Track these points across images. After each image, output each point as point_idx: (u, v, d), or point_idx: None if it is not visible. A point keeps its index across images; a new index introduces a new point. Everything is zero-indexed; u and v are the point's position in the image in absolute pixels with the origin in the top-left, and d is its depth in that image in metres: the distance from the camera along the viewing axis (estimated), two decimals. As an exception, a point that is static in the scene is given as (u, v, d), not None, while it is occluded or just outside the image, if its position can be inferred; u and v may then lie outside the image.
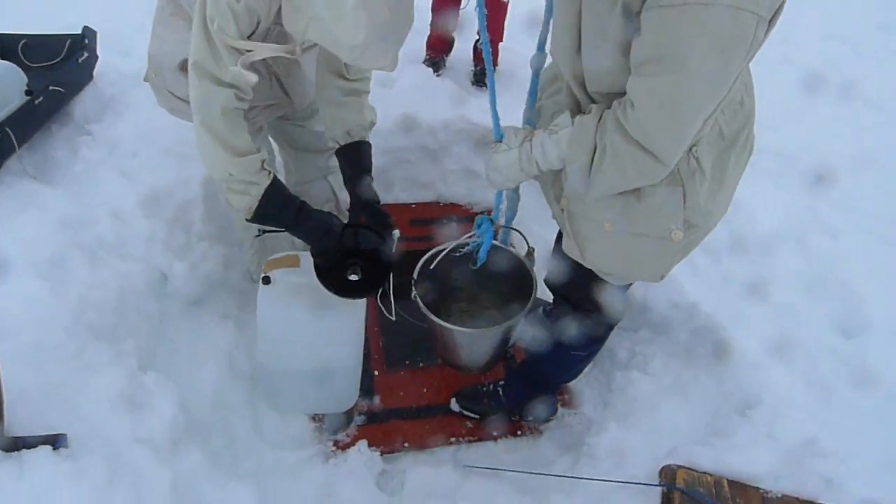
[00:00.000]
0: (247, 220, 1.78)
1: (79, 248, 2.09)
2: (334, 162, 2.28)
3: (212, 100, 1.60)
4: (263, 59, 1.74)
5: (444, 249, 2.05)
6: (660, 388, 2.25)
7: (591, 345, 2.03)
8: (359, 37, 1.44)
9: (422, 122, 2.99)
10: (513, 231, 2.11)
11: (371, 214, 1.94)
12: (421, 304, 1.96)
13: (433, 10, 3.36)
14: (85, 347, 1.85)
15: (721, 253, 2.55)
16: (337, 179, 2.42)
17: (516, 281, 2.06)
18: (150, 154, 2.56)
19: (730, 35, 1.16)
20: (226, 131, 1.64)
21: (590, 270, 1.71)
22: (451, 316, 2.17)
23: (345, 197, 2.20)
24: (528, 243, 2.07)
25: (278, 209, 1.76)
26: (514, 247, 2.19)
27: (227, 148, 1.66)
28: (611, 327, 2.01)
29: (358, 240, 1.84)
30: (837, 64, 4.38)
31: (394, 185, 3.12)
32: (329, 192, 2.52)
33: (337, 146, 2.01)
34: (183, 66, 1.83)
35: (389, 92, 3.11)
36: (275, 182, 1.75)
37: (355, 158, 2.00)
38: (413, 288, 1.97)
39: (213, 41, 1.55)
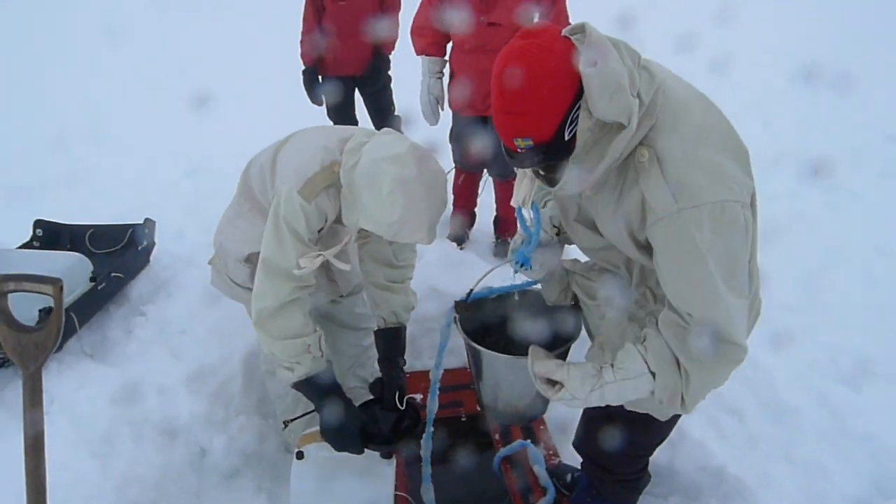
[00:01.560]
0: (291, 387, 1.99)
1: (127, 425, 2.24)
2: (370, 340, 2.51)
3: (273, 291, 1.84)
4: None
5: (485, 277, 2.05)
6: (694, 557, 2.21)
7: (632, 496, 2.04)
8: (395, 214, 1.72)
9: (447, 293, 3.19)
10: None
11: (396, 398, 2.14)
12: (460, 331, 1.94)
13: (455, 193, 3.71)
14: (126, 524, 1.93)
15: (746, 413, 2.58)
16: (371, 357, 2.64)
17: (556, 321, 1.96)
18: (196, 332, 2.77)
19: (721, 220, 1.32)
20: (276, 317, 1.87)
21: (621, 427, 1.76)
22: None
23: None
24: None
25: (311, 394, 1.98)
26: None
27: (269, 332, 1.87)
28: (639, 490, 2.03)
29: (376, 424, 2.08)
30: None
31: (422, 353, 3.26)
32: (371, 370, 2.71)
33: (379, 325, 2.27)
34: (248, 259, 2.12)
35: (417, 265, 3.35)
36: (319, 374, 1.95)
37: (393, 342, 2.26)
38: (455, 314, 1.97)
39: (284, 237, 1.82)
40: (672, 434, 2.47)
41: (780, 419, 2.54)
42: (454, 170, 3.68)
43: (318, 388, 1.96)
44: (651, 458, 2.37)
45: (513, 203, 1.75)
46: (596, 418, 1.89)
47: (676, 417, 1.79)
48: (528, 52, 1.30)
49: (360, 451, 2.04)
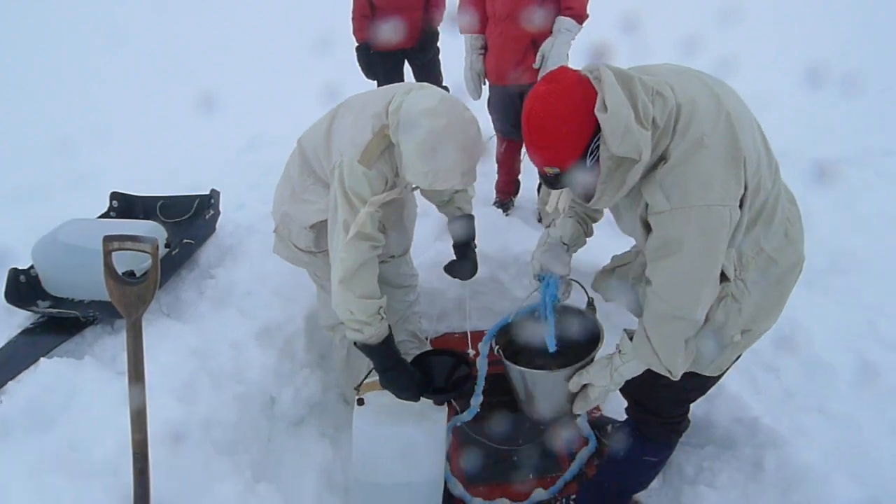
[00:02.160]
0: (355, 346, 2.20)
1: (206, 374, 2.47)
2: (414, 295, 2.71)
3: (354, 250, 2.04)
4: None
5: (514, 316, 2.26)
6: (727, 501, 2.34)
7: (662, 450, 2.21)
8: (428, 164, 1.92)
9: (493, 257, 3.35)
10: (572, 282, 2.25)
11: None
12: (498, 353, 2.16)
13: (498, 161, 3.83)
14: (210, 460, 2.18)
15: (782, 370, 2.68)
16: (416, 313, 2.90)
17: (585, 334, 2.18)
18: (261, 294, 3.00)
19: (709, 223, 1.57)
20: (357, 276, 2.07)
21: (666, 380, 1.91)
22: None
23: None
24: (587, 293, 2.25)
25: (373, 356, 2.19)
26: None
27: (353, 290, 2.07)
28: (679, 433, 2.19)
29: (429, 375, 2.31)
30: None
31: (472, 314, 3.43)
32: (416, 326, 2.92)
33: (449, 218, 2.60)
34: (313, 226, 2.32)
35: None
36: (386, 339, 2.16)
37: (465, 228, 2.59)
38: (495, 346, 2.20)
39: (354, 203, 2.01)
40: (711, 389, 2.63)
41: (815, 375, 2.63)
42: (496, 137, 3.80)
43: (381, 353, 2.17)
44: (690, 408, 2.52)
45: (547, 208, 2.07)
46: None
47: (721, 373, 1.99)
48: (550, 95, 1.55)
49: (417, 399, 2.25)
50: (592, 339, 2.13)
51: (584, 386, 1.98)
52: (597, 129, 1.54)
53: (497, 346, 2.19)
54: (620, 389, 2.14)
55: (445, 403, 2.36)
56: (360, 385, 2.35)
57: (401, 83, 2.28)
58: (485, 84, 3.61)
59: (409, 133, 1.93)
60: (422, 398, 2.25)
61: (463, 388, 2.34)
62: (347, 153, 2.04)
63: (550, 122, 1.55)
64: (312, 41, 5.35)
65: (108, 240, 1.69)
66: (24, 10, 11.21)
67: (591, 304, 2.25)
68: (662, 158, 1.60)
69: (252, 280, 3.09)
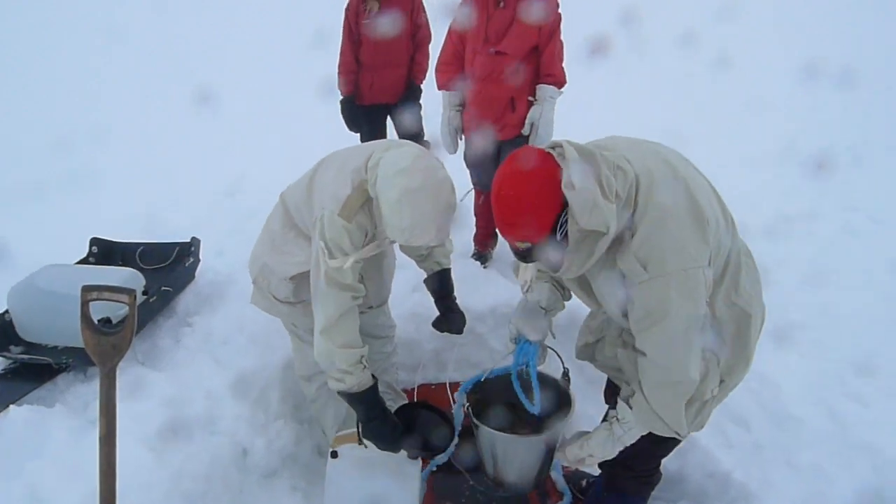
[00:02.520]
0: (338, 394, 2.21)
1: (178, 424, 2.46)
2: (391, 346, 2.74)
3: (334, 301, 2.08)
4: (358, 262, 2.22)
5: (487, 373, 2.28)
6: (699, 557, 2.35)
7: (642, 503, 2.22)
8: (404, 221, 1.97)
9: (471, 309, 3.37)
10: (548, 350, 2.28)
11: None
12: (471, 416, 2.16)
13: (476, 213, 3.92)
14: (179, 512, 2.15)
15: (751, 422, 2.72)
16: (393, 364, 2.92)
17: (555, 402, 2.21)
18: (238, 342, 3.00)
19: (688, 286, 1.66)
20: (338, 326, 2.10)
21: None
22: None
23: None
24: (563, 363, 2.27)
25: (356, 406, 2.20)
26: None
27: (334, 340, 2.09)
28: (652, 486, 2.23)
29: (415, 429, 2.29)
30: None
31: (447, 365, 3.44)
32: (393, 377, 2.95)
33: (427, 273, 2.62)
34: (293, 278, 2.35)
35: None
36: (370, 388, 2.17)
37: (443, 283, 2.62)
38: (465, 403, 2.20)
39: (335, 256, 2.05)
40: (682, 443, 2.66)
41: (784, 427, 2.67)
42: (474, 191, 3.89)
43: (364, 403, 2.18)
44: (662, 463, 2.55)
45: (518, 281, 2.16)
46: None
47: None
48: (518, 175, 1.63)
49: (397, 451, 2.25)
50: (562, 407, 2.17)
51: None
52: (564, 204, 1.61)
53: (467, 404, 2.20)
54: None
55: (419, 458, 2.36)
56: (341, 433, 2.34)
57: (380, 140, 2.35)
58: (461, 139, 3.72)
59: (385, 191, 1.99)
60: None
61: (442, 446, 2.36)
62: (328, 206, 2.10)
63: (519, 201, 1.62)
64: (294, 85, 5.44)
65: (86, 289, 1.71)
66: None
67: (566, 374, 2.28)
68: (628, 229, 1.68)
69: (229, 328, 3.09)
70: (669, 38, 4.70)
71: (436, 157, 2.17)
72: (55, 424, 2.38)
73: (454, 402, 2.32)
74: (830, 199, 4.61)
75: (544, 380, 2.22)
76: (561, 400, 2.22)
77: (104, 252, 3.51)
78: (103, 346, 1.72)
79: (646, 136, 1.92)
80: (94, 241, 3.51)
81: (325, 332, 2.08)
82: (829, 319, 3.44)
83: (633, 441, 1.92)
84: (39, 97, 7.26)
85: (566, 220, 1.62)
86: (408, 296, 3.48)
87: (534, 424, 2.22)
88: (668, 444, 2.08)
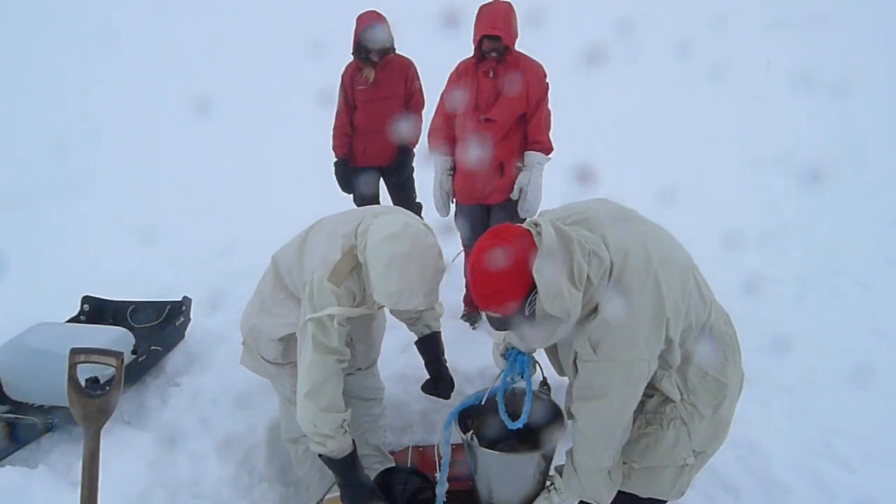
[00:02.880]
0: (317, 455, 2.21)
1: (162, 487, 2.44)
2: (378, 409, 2.74)
3: (320, 364, 2.10)
4: (343, 325, 2.24)
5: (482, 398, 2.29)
6: None
7: None
8: (392, 286, 2.01)
9: (460, 370, 3.38)
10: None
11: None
12: (471, 438, 2.17)
13: (466, 275, 3.96)
14: (159, 578, 2.11)
15: (740, 489, 2.71)
16: (380, 426, 2.91)
17: (545, 419, 2.24)
18: (225, 403, 3.00)
19: (631, 376, 1.78)
20: (323, 389, 2.12)
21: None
22: None
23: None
24: (542, 372, 2.29)
25: (337, 469, 2.22)
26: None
27: (317, 403, 2.11)
28: None
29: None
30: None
31: (435, 426, 3.43)
32: (381, 440, 2.93)
33: (418, 335, 2.64)
34: (282, 339, 2.38)
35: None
36: (350, 455, 2.19)
37: (433, 346, 2.66)
38: (458, 427, 2.22)
39: (322, 319, 2.08)
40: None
41: (772, 496, 2.66)
42: (463, 252, 3.94)
43: (343, 465, 2.19)
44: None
45: (494, 340, 2.24)
46: None
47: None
48: (494, 251, 1.71)
49: None
50: (553, 421, 2.19)
51: None
52: (534, 283, 1.69)
53: (471, 433, 2.22)
54: None
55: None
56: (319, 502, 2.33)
57: (371, 206, 2.42)
58: (453, 202, 3.80)
59: (374, 257, 2.05)
60: None
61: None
62: (318, 271, 2.15)
63: (493, 276, 1.71)
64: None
65: (74, 352, 1.74)
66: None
67: (545, 382, 2.31)
68: (593, 312, 1.76)
69: (217, 388, 3.09)
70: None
71: (425, 224, 2.23)
72: (38, 487, 2.35)
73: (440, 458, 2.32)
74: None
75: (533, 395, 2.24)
76: (549, 413, 2.24)
77: (95, 310, 3.53)
78: (89, 409, 1.73)
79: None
80: (86, 300, 3.53)
81: (309, 395, 2.10)
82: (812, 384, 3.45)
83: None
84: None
85: (535, 299, 1.70)
86: (397, 357, 3.49)
87: (527, 443, 2.26)
88: None
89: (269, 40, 11.17)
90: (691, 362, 1.88)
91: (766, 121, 5.47)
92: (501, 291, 1.71)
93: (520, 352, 2.20)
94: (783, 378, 3.49)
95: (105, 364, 1.75)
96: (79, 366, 1.79)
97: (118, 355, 1.74)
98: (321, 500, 2.37)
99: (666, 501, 2.09)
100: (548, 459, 2.16)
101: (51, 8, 11.71)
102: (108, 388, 2.82)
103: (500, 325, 1.81)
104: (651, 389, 1.92)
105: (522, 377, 2.21)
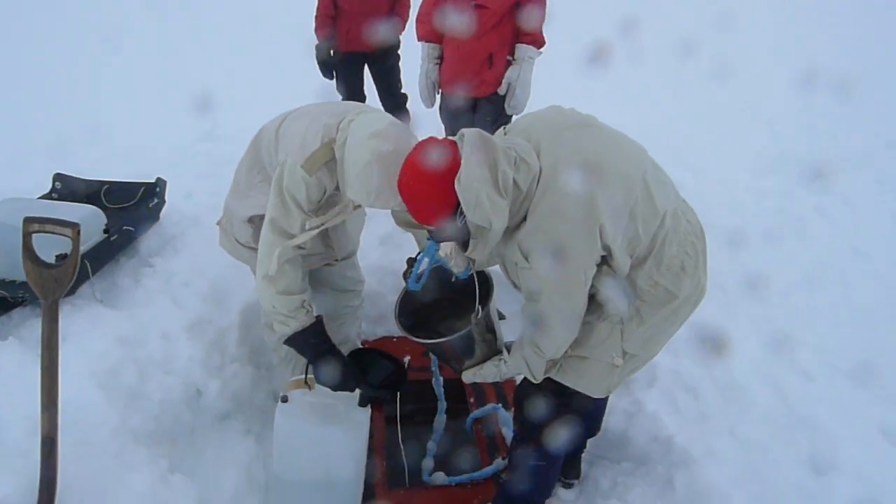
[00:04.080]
0: (283, 343, 2.22)
1: (132, 363, 2.46)
2: (357, 301, 2.75)
3: (278, 250, 2.07)
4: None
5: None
6: (637, 516, 2.42)
7: (546, 457, 2.27)
8: (372, 184, 1.96)
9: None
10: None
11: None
12: (400, 328, 2.17)
13: None
14: (125, 448, 2.17)
15: (700, 391, 2.78)
16: (359, 318, 2.95)
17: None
18: (199, 286, 2.99)
19: (562, 284, 1.79)
20: (279, 274, 2.10)
21: (548, 390, 2.08)
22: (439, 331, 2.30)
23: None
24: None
25: (303, 346, 2.22)
26: None
27: (275, 286, 2.11)
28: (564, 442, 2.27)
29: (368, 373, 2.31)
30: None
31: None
32: (356, 331, 2.95)
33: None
34: (250, 220, 2.35)
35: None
36: (314, 325, 2.19)
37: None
38: (396, 320, 2.21)
39: (287, 204, 2.05)
40: (628, 405, 2.72)
41: (731, 399, 2.73)
42: None
43: (311, 340, 2.20)
44: (606, 426, 2.61)
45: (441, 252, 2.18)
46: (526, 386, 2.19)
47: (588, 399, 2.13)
48: (420, 165, 1.71)
49: (352, 390, 2.28)
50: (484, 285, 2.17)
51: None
52: None
53: (400, 324, 2.19)
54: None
55: (369, 405, 2.38)
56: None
57: (357, 103, 2.33)
58: (439, 93, 3.67)
59: (355, 152, 1.98)
60: (346, 400, 2.29)
61: (396, 389, 2.38)
62: (293, 155, 2.09)
63: (419, 190, 1.74)
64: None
65: (29, 221, 1.70)
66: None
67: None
68: (523, 220, 1.76)
69: (191, 271, 3.07)
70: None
71: (408, 127, 2.17)
72: (6, 357, 2.37)
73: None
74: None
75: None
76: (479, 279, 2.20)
77: (68, 188, 3.45)
78: (45, 279, 1.71)
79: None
80: (58, 177, 3.45)
81: (267, 278, 2.09)
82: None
83: (514, 374, 2.11)
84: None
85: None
86: (374, 248, 3.48)
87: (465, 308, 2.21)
88: (579, 405, 2.14)
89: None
90: (641, 269, 1.85)
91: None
92: (430, 206, 1.74)
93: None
94: (757, 287, 3.52)
95: (60, 234, 1.70)
96: (48, 238, 1.75)
97: (74, 226, 1.70)
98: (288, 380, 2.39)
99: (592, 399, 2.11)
100: (487, 320, 2.11)
101: None
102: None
103: (437, 237, 1.85)
104: (595, 289, 1.91)
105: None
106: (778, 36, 7.65)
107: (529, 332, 1.95)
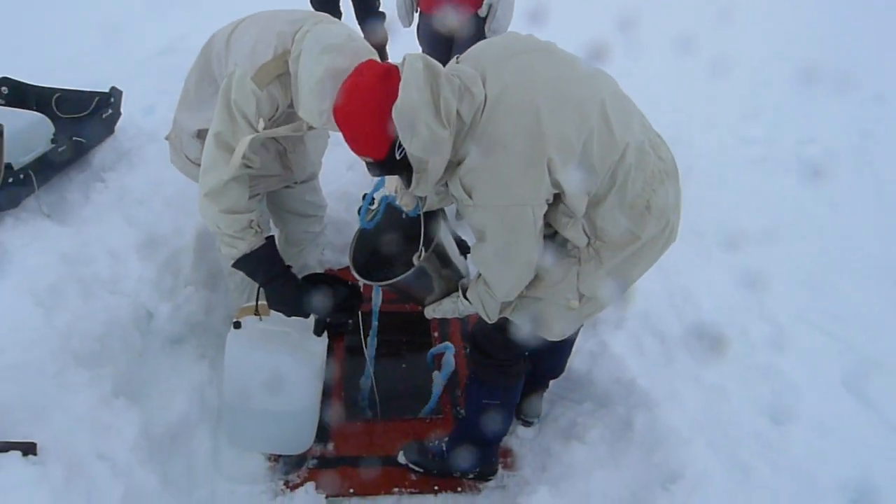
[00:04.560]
0: (232, 266, 2.08)
1: (76, 281, 2.33)
2: (319, 227, 2.62)
3: (223, 165, 1.91)
4: (274, 137, 2.05)
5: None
6: (594, 457, 2.39)
7: (498, 393, 2.23)
8: (325, 103, 1.78)
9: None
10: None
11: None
12: (355, 274, 2.10)
13: None
14: (65, 369, 2.06)
15: (667, 335, 2.74)
16: (322, 245, 2.82)
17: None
18: (153, 203, 2.84)
19: (507, 220, 1.66)
20: (225, 191, 1.94)
21: (502, 326, 1.99)
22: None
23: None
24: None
25: (254, 268, 2.07)
26: None
27: (218, 204, 1.95)
28: (510, 376, 2.22)
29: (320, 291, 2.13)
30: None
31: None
32: (316, 257, 2.84)
33: None
34: (199, 134, 2.17)
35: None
36: (265, 245, 2.05)
37: None
38: (350, 262, 2.14)
39: (235, 118, 1.88)
40: (594, 346, 2.67)
41: (696, 345, 2.68)
42: None
43: (261, 262, 2.05)
44: (569, 366, 2.56)
45: (385, 190, 2.09)
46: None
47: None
48: (357, 91, 1.58)
49: (307, 315, 2.16)
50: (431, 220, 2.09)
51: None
52: None
53: (352, 266, 2.12)
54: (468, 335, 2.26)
55: (325, 335, 2.29)
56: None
57: (316, 13, 2.12)
58: (416, 12, 3.48)
59: (308, 67, 1.82)
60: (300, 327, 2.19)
61: (351, 314, 2.28)
62: (242, 66, 1.91)
63: (355, 118, 1.59)
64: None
65: (-57, 119, 1.52)
66: None
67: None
68: (466, 154, 1.63)
69: (145, 189, 2.92)
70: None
71: (368, 45, 2.00)
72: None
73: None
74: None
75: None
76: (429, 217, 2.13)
77: (16, 94, 3.22)
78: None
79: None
80: (4, 81, 3.21)
81: (210, 195, 1.95)
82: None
83: (469, 312, 2.02)
84: None
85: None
86: (342, 174, 3.34)
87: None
88: (528, 341, 2.04)
89: None
90: (600, 207, 1.72)
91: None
92: (367, 135, 1.60)
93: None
94: (723, 234, 3.45)
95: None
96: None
97: (-6, 127, 1.53)
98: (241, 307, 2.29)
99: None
100: (441, 256, 2.04)
101: None
102: (22, 175, 2.67)
103: (376, 170, 1.69)
104: (551, 229, 1.80)
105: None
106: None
107: (484, 276, 1.86)
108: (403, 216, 2.08)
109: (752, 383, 2.55)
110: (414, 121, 1.52)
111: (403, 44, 3.54)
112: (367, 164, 1.68)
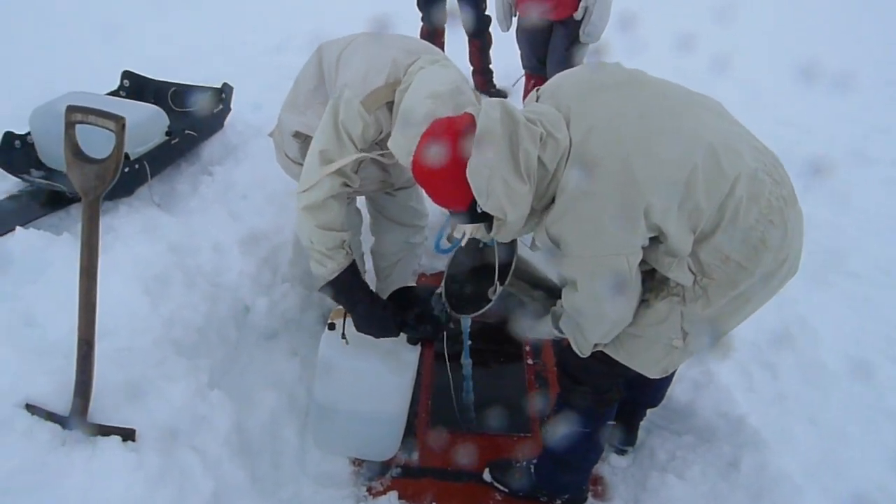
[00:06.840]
0: (318, 289, 2.08)
1: (180, 271, 2.38)
2: (419, 238, 2.57)
3: (326, 183, 1.91)
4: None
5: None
6: (695, 495, 2.23)
7: (591, 421, 2.08)
8: (414, 146, 1.71)
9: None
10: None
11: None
12: (447, 305, 2.10)
13: (524, 97, 3.68)
14: (167, 358, 2.10)
15: (780, 369, 2.53)
16: (418, 255, 2.81)
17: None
18: (256, 199, 2.88)
19: (600, 273, 1.56)
20: (323, 208, 1.94)
21: (595, 354, 1.85)
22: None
23: None
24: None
25: (338, 293, 2.07)
26: None
27: (315, 219, 1.95)
28: (604, 404, 2.08)
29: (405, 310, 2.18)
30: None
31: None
32: (412, 269, 2.83)
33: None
34: (296, 135, 2.19)
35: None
36: (350, 269, 2.04)
37: None
38: (444, 300, 2.12)
39: (342, 138, 1.88)
40: (698, 375, 2.50)
41: (814, 381, 2.47)
42: (524, 76, 3.68)
43: (344, 287, 2.05)
44: (670, 394, 2.40)
45: (455, 234, 1.96)
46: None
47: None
48: (433, 151, 1.50)
49: (396, 335, 2.15)
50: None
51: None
52: None
53: (443, 299, 2.11)
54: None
55: (419, 343, 2.25)
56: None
57: (434, 48, 2.10)
58: (515, 16, 3.50)
59: (410, 105, 1.82)
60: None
61: (440, 330, 2.26)
62: (354, 88, 1.91)
63: (434, 179, 1.55)
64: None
65: (71, 111, 1.57)
66: None
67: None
68: (552, 202, 1.56)
69: (250, 183, 2.97)
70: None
71: (477, 94, 1.98)
72: (58, 252, 2.32)
73: None
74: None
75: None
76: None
77: (136, 87, 3.38)
78: (86, 175, 1.59)
79: None
80: (126, 75, 3.38)
81: (308, 209, 1.94)
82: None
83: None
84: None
85: None
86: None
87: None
88: (619, 367, 1.88)
89: None
90: (707, 243, 1.56)
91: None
92: (446, 194, 1.56)
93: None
94: (851, 263, 3.18)
95: (103, 127, 1.58)
96: (100, 137, 1.62)
97: (118, 119, 1.56)
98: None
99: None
100: (528, 279, 1.99)
101: None
102: (137, 165, 2.76)
103: (461, 220, 1.64)
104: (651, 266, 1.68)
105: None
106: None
107: (574, 318, 1.75)
108: (480, 245, 2.06)
109: (878, 428, 2.32)
110: (489, 179, 1.44)
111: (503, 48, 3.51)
112: (453, 215, 1.65)
